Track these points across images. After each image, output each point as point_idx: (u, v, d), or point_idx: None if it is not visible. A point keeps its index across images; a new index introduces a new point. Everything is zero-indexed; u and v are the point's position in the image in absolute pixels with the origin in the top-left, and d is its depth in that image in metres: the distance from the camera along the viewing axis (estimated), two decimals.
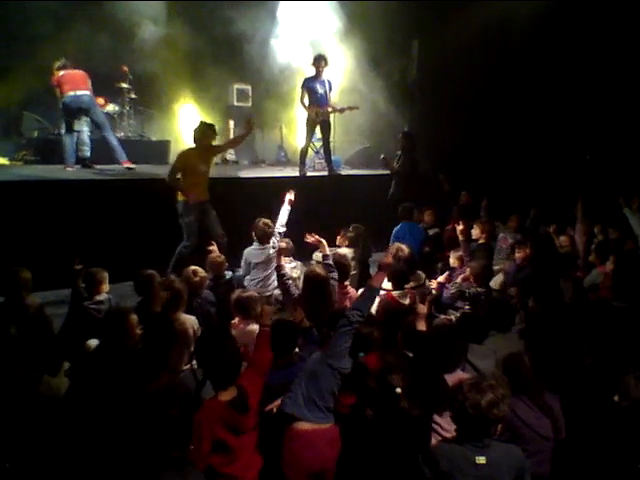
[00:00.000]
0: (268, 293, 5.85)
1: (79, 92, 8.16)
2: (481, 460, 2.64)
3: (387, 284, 5.55)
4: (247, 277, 6.01)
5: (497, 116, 10.49)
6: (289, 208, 6.01)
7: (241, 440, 3.03)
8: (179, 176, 6.71)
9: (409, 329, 4.05)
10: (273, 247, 5.87)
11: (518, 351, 3.54)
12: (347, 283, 5.24)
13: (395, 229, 7.40)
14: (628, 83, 9.67)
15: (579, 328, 4.08)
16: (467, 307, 5.43)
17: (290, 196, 6.04)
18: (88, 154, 8.77)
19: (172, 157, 10.48)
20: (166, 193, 7.44)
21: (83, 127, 8.65)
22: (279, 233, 5.93)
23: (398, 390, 2.91)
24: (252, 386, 3.20)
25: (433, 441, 3.17)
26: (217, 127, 10.86)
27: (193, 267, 5.18)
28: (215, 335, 3.94)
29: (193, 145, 6.85)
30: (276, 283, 5.74)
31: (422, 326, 4.10)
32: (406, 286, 5.34)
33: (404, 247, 5.75)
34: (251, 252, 6.00)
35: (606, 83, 9.76)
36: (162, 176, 8.49)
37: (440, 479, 2.67)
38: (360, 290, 5.72)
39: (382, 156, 9.03)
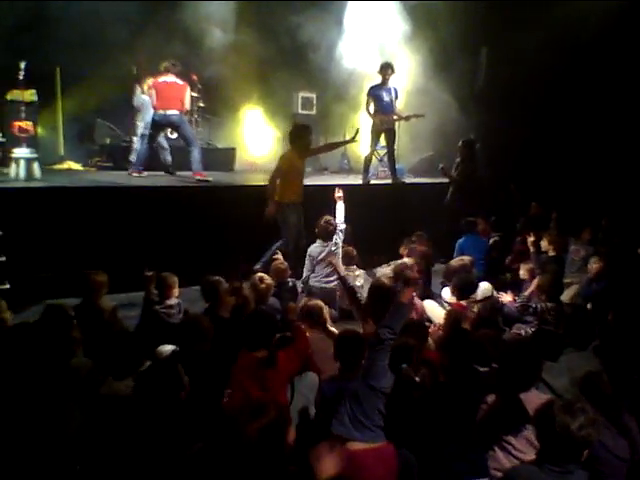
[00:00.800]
0: (330, 287, 6.07)
1: (169, 112, 8.17)
2: None
3: (451, 297, 5.50)
4: (312, 274, 6.23)
5: (565, 126, 10.18)
6: (342, 205, 6.32)
7: (265, 397, 3.14)
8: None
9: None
10: (336, 243, 6.17)
11: (597, 369, 3.38)
12: (414, 294, 5.16)
13: (459, 241, 7.30)
14: None
15: None
16: (535, 322, 5.27)
17: (339, 193, 6.35)
18: (169, 158, 8.95)
19: (238, 164, 10.79)
20: (233, 199, 7.61)
21: (161, 137, 8.87)
22: (340, 230, 6.20)
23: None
24: (284, 354, 3.47)
25: (506, 462, 3.07)
26: (280, 135, 11.37)
27: (260, 274, 5.27)
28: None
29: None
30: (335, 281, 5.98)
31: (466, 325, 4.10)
32: (473, 298, 5.26)
33: (466, 259, 5.67)
34: (314, 249, 6.28)
35: None
36: (228, 183, 8.81)
37: None
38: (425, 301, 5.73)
39: (440, 165, 8.93)
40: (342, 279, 5.32)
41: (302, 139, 6.93)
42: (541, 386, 3.54)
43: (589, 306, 5.23)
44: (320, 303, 4.60)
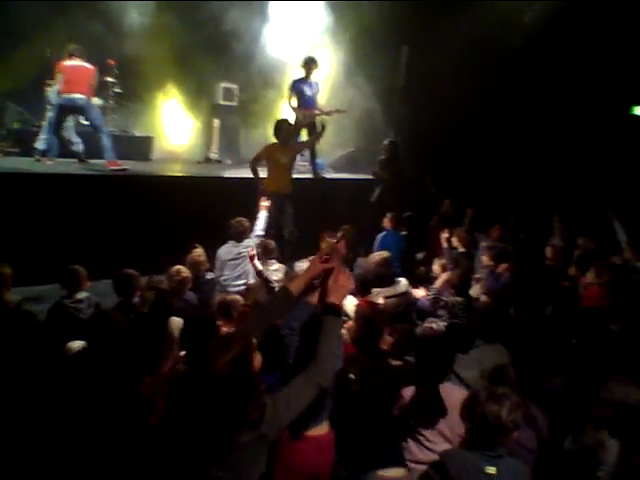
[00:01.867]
0: (239, 290, 5.80)
1: (75, 95, 7.85)
2: (491, 470, 2.62)
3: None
4: (222, 276, 6.06)
5: (483, 124, 10.56)
6: (266, 214, 6.22)
7: None
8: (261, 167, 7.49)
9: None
10: (246, 247, 5.96)
11: (503, 362, 3.53)
12: None
13: (380, 236, 7.41)
14: (617, 93, 9.85)
15: (563, 339, 4.08)
16: (447, 316, 5.42)
17: (265, 203, 6.25)
18: (81, 147, 8.48)
19: (155, 153, 10.49)
20: (149, 190, 7.40)
21: (70, 122, 8.45)
22: (255, 237, 6.06)
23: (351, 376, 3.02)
24: None
25: (418, 453, 3.16)
26: (201, 125, 11.15)
27: (177, 266, 5.11)
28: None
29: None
30: (246, 281, 5.92)
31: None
32: (388, 294, 5.37)
33: (385, 254, 5.79)
34: (223, 250, 6.12)
35: (595, 91, 9.92)
36: (145, 173, 8.55)
37: None
38: None
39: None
40: (259, 273, 5.29)
41: (278, 131, 7.36)
42: (452, 378, 3.64)
43: (495, 301, 5.43)
44: (236, 297, 4.55)
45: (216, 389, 2.12)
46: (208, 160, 10.81)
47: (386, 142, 9.19)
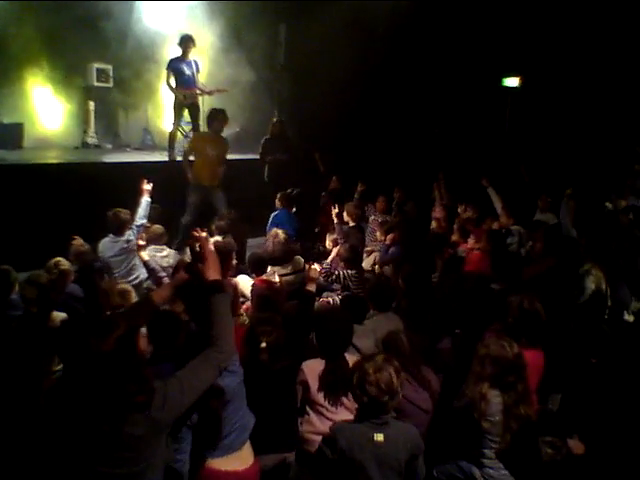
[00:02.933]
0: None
1: None
2: (379, 437, 2.68)
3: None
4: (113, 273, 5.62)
5: (364, 101, 10.77)
6: (148, 200, 5.68)
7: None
8: (191, 158, 7.42)
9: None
10: (128, 240, 5.53)
11: (395, 329, 3.67)
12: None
13: (273, 215, 7.41)
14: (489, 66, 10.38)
15: (449, 303, 4.29)
16: (340, 289, 5.54)
17: (147, 186, 5.69)
18: None
19: (27, 140, 9.80)
20: (23, 180, 6.92)
21: None
22: (137, 226, 5.57)
23: (263, 344, 3.06)
24: None
25: (319, 424, 3.23)
26: (75, 108, 10.54)
27: (56, 258, 4.82)
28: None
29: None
30: (139, 276, 5.58)
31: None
32: (282, 271, 5.40)
33: (280, 232, 5.77)
34: (104, 244, 5.62)
35: (468, 65, 10.40)
36: (17, 162, 7.96)
37: (340, 458, 2.69)
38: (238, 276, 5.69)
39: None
40: (146, 264, 5.08)
41: (211, 121, 7.34)
42: (350, 348, 3.73)
43: (387, 271, 5.63)
44: (127, 287, 4.35)
45: (100, 368, 2.05)
46: (86, 145, 10.29)
47: (274, 120, 9.14)
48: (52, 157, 9.11)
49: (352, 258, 5.45)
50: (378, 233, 6.62)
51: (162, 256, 5.94)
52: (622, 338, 4.55)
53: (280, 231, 5.81)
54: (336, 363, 3.36)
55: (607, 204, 8.04)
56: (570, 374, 3.60)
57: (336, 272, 5.41)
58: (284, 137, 9.01)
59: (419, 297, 4.42)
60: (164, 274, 5.02)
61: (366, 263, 6.26)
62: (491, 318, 3.85)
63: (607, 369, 3.75)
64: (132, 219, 5.64)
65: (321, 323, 3.65)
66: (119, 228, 5.57)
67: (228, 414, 2.75)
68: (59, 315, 4.14)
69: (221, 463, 2.75)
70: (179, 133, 9.42)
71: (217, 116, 7.30)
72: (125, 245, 5.54)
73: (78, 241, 5.44)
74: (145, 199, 5.67)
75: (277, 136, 8.92)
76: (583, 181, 8.43)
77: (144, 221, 5.67)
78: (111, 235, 5.60)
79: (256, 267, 5.31)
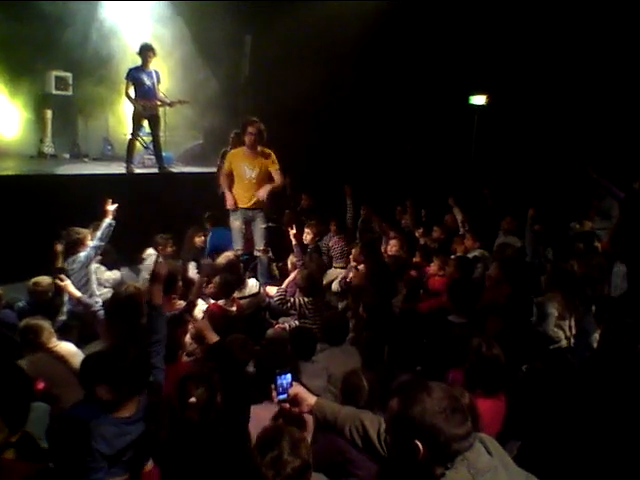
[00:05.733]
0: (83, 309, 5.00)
1: None
2: None
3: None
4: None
5: (330, 114, 10.60)
6: (111, 222, 5.23)
7: None
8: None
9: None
10: (79, 261, 5.06)
11: (356, 368, 3.40)
12: (174, 296, 4.80)
13: (209, 237, 7.15)
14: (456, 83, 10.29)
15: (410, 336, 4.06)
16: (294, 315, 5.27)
17: (111, 207, 5.26)
18: None
19: None
20: None
21: None
22: (93, 247, 5.12)
23: (192, 400, 2.67)
24: None
25: None
26: (32, 117, 10.15)
27: None
28: None
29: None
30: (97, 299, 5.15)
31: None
32: (237, 295, 5.15)
33: (230, 254, 5.53)
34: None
35: (425, 80, 10.29)
36: None
37: None
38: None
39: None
40: (79, 300, 4.67)
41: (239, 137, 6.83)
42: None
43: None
44: (39, 322, 3.95)
45: None
46: (42, 154, 9.91)
47: (233, 134, 8.89)
48: (7, 167, 8.72)
49: (309, 286, 5.13)
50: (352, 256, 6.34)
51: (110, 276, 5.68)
52: (586, 370, 4.40)
53: (230, 253, 5.57)
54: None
55: (573, 225, 7.97)
56: (529, 420, 3.41)
57: (291, 299, 5.13)
58: None
59: (381, 329, 4.16)
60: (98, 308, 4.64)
61: (334, 286, 6.05)
62: (451, 355, 3.64)
63: (569, 409, 3.58)
64: (85, 239, 5.19)
65: (261, 358, 3.41)
66: (70, 247, 5.15)
67: None
68: None
69: None
70: (138, 144, 9.10)
71: (246, 129, 6.58)
72: (72, 266, 5.09)
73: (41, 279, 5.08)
74: (107, 221, 5.22)
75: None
76: (549, 201, 8.37)
77: (102, 243, 5.21)
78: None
79: (225, 292, 5.00)
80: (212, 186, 8.04)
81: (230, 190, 6.68)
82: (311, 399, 2.47)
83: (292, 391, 2.47)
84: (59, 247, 5.32)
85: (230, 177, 6.71)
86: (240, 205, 6.63)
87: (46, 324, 3.91)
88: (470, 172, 10.50)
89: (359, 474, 2.99)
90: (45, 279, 5.07)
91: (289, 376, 2.50)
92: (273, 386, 2.48)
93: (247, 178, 6.58)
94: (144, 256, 6.42)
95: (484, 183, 8.60)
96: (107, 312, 4.20)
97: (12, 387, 2.55)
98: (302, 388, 2.53)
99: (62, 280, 4.45)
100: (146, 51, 8.33)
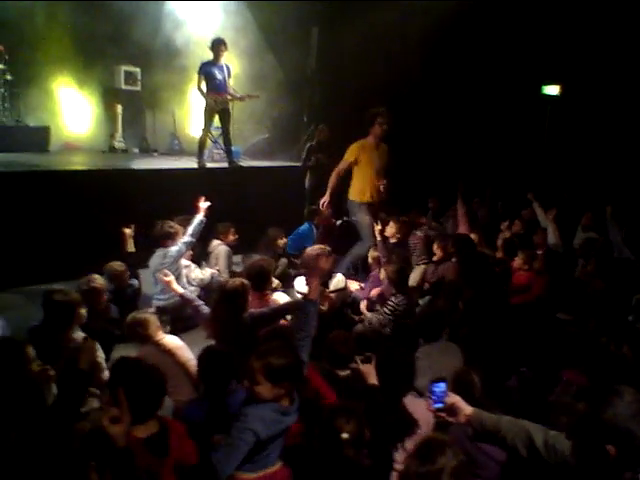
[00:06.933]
0: (166, 304, 5.18)
1: None
2: None
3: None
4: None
5: (398, 108, 10.45)
6: (202, 219, 5.33)
7: None
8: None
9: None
10: (171, 255, 5.19)
11: (466, 367, 3.31)
12: (268, 292, 4.78)
13: (301, 229, 7.17)
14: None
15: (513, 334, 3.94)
16: (384, 310, 5.17)
17: (204, 204, 5.36)
18: None
19: (53, 144, 9.60)
20: (49, 186, 6.66)
21: None
22: (184, 243, 5.25)
23: (344, 436, 2.49)
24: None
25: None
26: (103, 112, 10.36)
27: (91, 275, 4.56)
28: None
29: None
30: (171, 295, 5.01)
31: None
32: (326, 291, 5.09)
33: (324, 248, 5.45)
34: (153, 259, 5.34)
35: (507, 73, 10.04)
36: (43, 166, 7.72)
37: None
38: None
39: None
40: (182, 296, 4.49)
41: (374, 126, 6.34)
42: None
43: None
44: (146, 316, 3.98)
45: None
46: (113, 149, 10.09)
47: (321, 126, 8.84)
48: (79, 162, 8.91)
49: (399, 281, 5.03)
50: (437, 250, 6.16)
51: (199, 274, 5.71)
52: None
53: (324, 247, 5.50)
54: (393, 406, 3.02)
55: None
56: None
57: (388, 302, 4.99)
58: (329, 143, 8.70)
59: (480, 325, 4.04)
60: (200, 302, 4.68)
61: (412, 280, 5.94)
62: (563, 356, 3.49)
63: None
64: (178, 234, 5.34)
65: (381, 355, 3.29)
66: (161, 240, 5.30)
67: None
68: (79, 335, 3.80)
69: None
70: (208, 140, 9.17)
71: (367, 119, 6.36)
72: (163, 260, 5.20)
73: (115, 262, 5.15)
74: (199, 217, 5.34)
75: (323, 142, 8.64)
76: (626, 194, 8.08)
77: (193, 239, 5.34)
78: (161, 249, 5.31)
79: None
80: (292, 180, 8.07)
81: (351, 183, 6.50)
82: (468, 409, 2.44)
83: (449, 400, 2.45)
84: (128, 231, 5.34)
85: (347, 170, 6.51)
86: (367, 199, 6.46)
87: (153, 317, 3.94)
88: (542, 165, 10.20)
89: (482, 474, 2.93)
90: (117, 263, 5.14)
91: (443, 385, 2.46)
92: (428, 394, 2.47)
93: (376, 169, 6.46)
94: (210, 249, 6.47)
95: (557, 177, 8.37)
96: (212, 306, 4.17)
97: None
98: (459, 397, 2.48)
99: (166, 275, 4.43)
100: (218, 45, 8.36)
